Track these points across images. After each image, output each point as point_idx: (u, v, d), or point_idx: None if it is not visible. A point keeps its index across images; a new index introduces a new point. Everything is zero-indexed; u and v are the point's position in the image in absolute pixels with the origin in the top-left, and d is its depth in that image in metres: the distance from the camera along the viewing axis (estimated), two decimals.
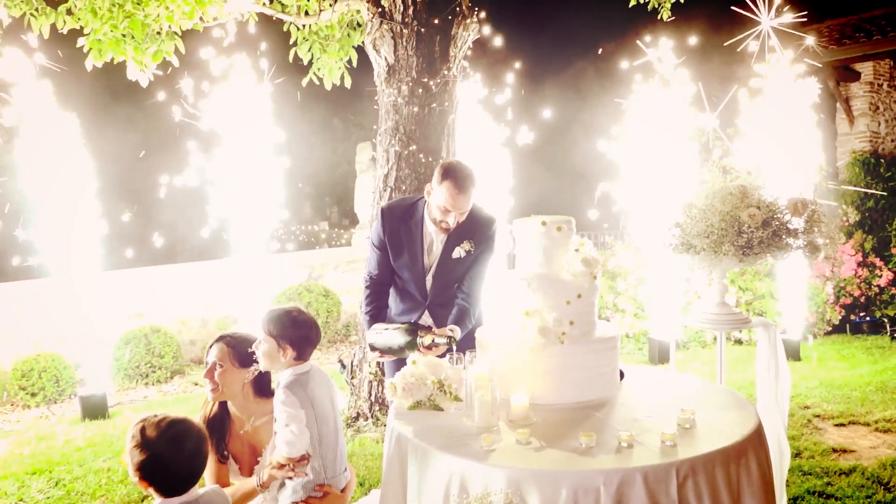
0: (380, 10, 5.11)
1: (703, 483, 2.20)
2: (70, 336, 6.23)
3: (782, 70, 6.86)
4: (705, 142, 7.04)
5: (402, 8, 5.04)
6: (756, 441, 2.41)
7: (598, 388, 2.80)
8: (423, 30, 5.04)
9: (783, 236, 3.01)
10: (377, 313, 3.47)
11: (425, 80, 5.06)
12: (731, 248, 2.97)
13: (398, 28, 5.05)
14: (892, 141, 10.92)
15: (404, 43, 5.07)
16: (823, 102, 8.15)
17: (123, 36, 5.37)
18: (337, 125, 19.59)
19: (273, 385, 2.85)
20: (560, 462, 2.24)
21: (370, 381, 5.21)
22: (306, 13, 5.88)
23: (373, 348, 3.11)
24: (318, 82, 6.67)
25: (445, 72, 5.12)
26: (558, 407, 2.71)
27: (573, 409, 2.70)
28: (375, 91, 5.41)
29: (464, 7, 5.18)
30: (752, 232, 2.98)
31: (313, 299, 8.39)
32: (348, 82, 6.71)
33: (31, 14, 5.47)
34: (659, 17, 6.80)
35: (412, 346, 2.99)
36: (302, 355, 2.67)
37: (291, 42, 6.45)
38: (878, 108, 10.74)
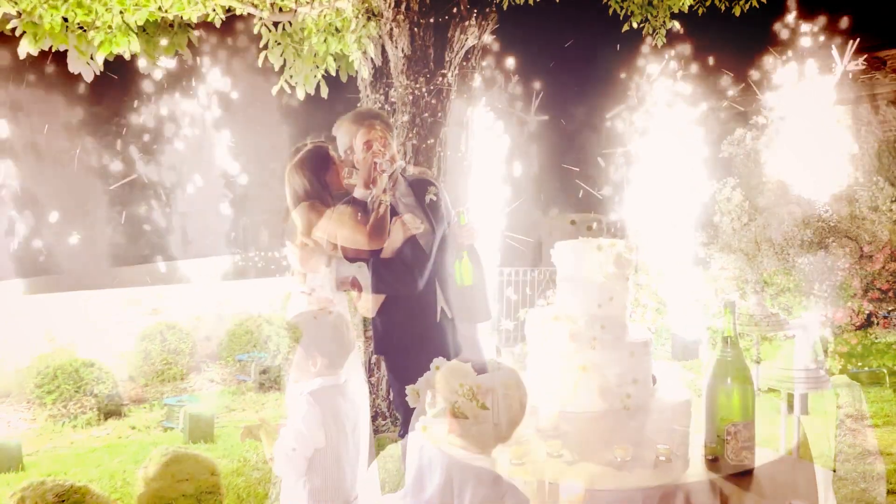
0: (365, 5, 4.87)
1: (749, 499, 2.07)
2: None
3: (807, 63, 6.67)
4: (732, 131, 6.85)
5: (392, 5, 4.75)
6: (801, 452, 2.27)
7: (632, 396, 2.67)
8: (416, 30, 4.76)
9: (825, 235, 2.85)
10: None
11: (418, 85, 4.81)
12: (771, 249, 2.82)
13: (388, 27, 4.78)
14: None
15: (394, 41, 4.81)
16: (847, 90, 7.92)
17: (65, 20, 4.82)
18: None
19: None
20: (595, 478, 2.12)
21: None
22: (280, 10, 5.32)
23: None
24: (289, 91, 5.85)
25: (440, 78, 4.85)
26: (589, 415, 2.59)
27: (605, 418, 2.57)
28: (357, 99, 5.18)
29: (462, 8, 4.86)
30: (792, 231, 2.83)
31: None
32: (324, 92, 5.89)
33: None
34: (654, 44, 6.21)
35: None
36: (334, 364, 2.50)
37: (262, 45, 5.58)
38: None
